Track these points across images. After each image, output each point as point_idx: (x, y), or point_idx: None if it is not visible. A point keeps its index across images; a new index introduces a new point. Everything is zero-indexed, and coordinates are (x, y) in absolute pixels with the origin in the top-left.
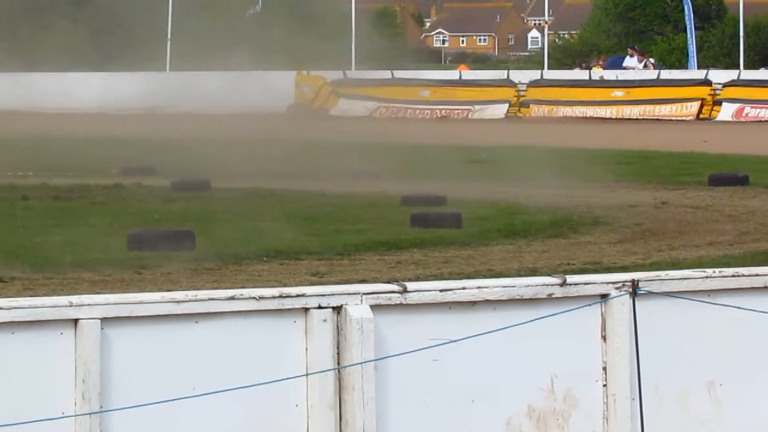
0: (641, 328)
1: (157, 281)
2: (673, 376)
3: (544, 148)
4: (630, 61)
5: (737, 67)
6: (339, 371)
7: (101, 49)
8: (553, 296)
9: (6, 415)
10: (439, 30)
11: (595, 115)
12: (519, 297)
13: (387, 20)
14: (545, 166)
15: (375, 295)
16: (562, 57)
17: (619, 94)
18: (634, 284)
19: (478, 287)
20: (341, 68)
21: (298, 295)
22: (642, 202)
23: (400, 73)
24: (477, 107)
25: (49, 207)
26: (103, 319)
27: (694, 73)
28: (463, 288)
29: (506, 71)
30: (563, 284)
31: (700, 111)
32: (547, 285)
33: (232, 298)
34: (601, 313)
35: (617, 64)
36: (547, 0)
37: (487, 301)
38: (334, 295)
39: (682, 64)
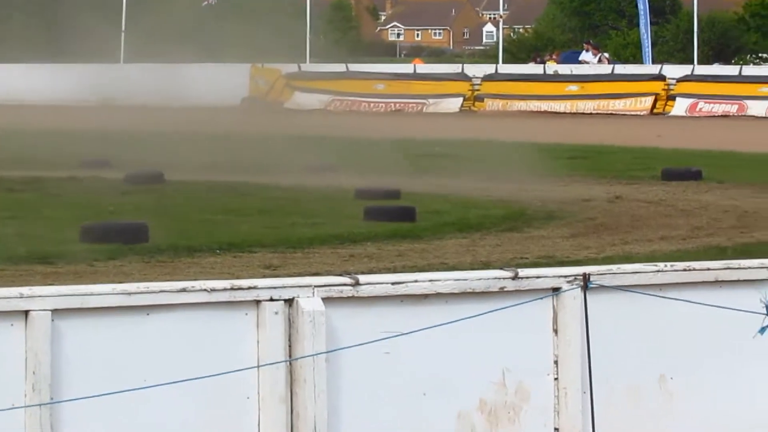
0: (593, 321)
1: (110, 274)
2: (624, 369)
3: (498, 142)
4: (585, 55)
5: (691, 62)
6: (291, 364)
7: (54, 41)
8: (505, 290)
9: None
10: (394, 24)
11: (549, 110)
12: (471, 290)
13: (342, 14)
14: (499, 160)
15: (327, 288)
16: (517, 51)
17: (573, 88)
18: (586, 278)
19: (430, 280)
20: (296, 61)
21: (249, 288)
22: (596, 196)
23: (354, 67)
24: (431, 101)
25: (3, 199)
26: (54, 311)
27: (649, 68)
28: (415, 281)
29: (461, 65)
30: (515, 278)
31: (654, 106)
32: (499, 278)
33: (184, 290)
34: (553, 307)
35: (572, 59)
36: None
37: (439, 294)
38: (285, 287)
39: (637, 59)
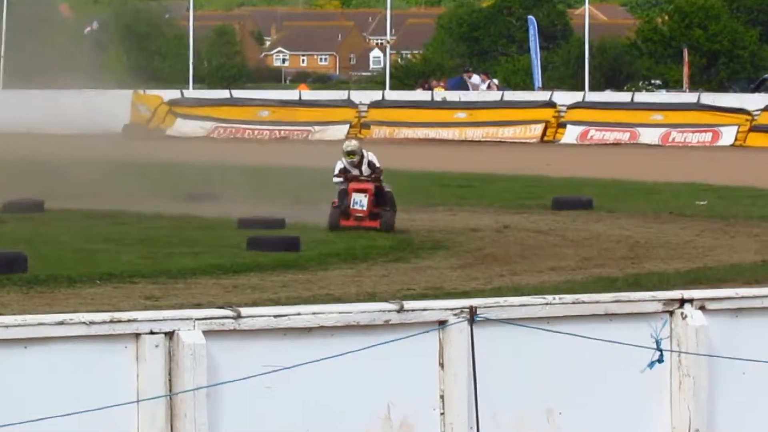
0: (479, 355)
1: None
2: (511, 403)
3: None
4: (475, 78)
5: (582, 88)
6: (171, 398)
7: None
8: (391, 323)
9: None
10: (279, 49)
11: (437, 137)
12: (355, 323)
13: (225, 38)
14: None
15: (208, 321)
16: (404, 77)
17: (461, 115)
18: (472, 311)
19: (314, 313)
20: (178, 87)
21: (129, 320)
22: (484, 225)
23: (238, 93)
24: (317, 128)
25: None
26: None
27: (539, 95)
28: (298, 314)
29: (347, 92)
30: (400, 310)
31: (544, 133)
32: (384, 311)
33: (62, 323)
34: (439, 340)
35: (459, 85)
36: (389, 19)
37: (322, 328)
38: (166, 320)
39: (527, 85)
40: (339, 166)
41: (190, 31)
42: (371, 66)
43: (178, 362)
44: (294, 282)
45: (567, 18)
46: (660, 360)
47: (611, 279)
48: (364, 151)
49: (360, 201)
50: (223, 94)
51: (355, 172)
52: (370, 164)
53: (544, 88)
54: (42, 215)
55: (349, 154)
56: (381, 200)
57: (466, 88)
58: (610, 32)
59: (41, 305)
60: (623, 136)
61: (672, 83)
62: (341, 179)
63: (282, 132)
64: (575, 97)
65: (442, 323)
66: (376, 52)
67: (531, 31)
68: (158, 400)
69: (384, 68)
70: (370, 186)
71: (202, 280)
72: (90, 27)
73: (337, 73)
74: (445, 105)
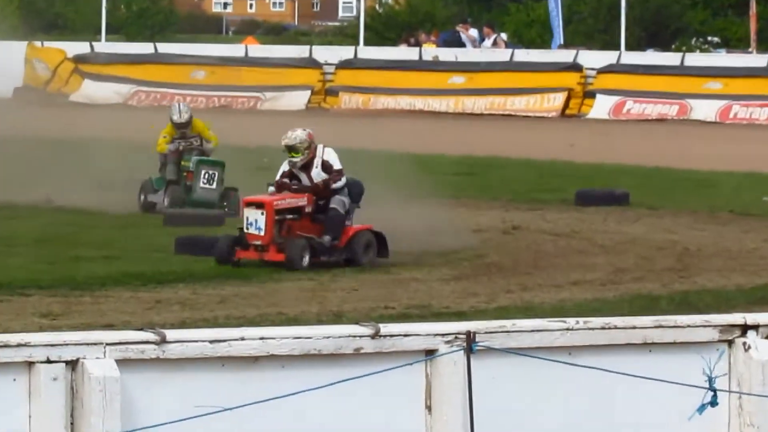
0: (479, 395)
1: None
2: None
3: (358, 152)
4: (473, 32)
5: (617, 47)
6: None
7: None
8: (362, 351)
9: None
10: None
11: (426, 108)
12: (316, 352)
13: None
14: (358, 176)
15: (123, 347)
16: (384, 30)
17: (458, 80)
18: (470, 337)
19: (261, 338)
20: (87, 39)
21: (19, 345)
22: (487, 225)
23: (165, 47)
24: (268, 95)
25: None
26: None
27: (560, 54)
28: (241, 338)
29: (308, 47)
30: (375, 336)
31: (566, 105)
32: (354, 336)
33: None
34: (426, 375)
35: (455, 41)
36: None
37: (273, 356)
38: (68, 345)
39: (544, 42)
40: (283, 168)
41: None
42: (340, 14)
43: (82, 400)
44: (236, 297)
45: None
46: (713, 403)
47: (652, 297)
48: (319, 148)
49: (255, 221)
50: (146, 48)
51: (303, 177)
52: (325, 166)
53: (567, 45)
54: None
55: (290, 150)
56: (323, 221)
57: (464, 45)
58: None
59: None
60: (670, 110)
61: (734, 42)
62: (272, 189)
63: (222, 99)
64: (607, 58)
65: (430, 353)
66: None
67: None
68: None
69: (357, 17)
70: (270, 199)
71: (115, 293)
72: None
73: (295, 22)
74: (437, 67)
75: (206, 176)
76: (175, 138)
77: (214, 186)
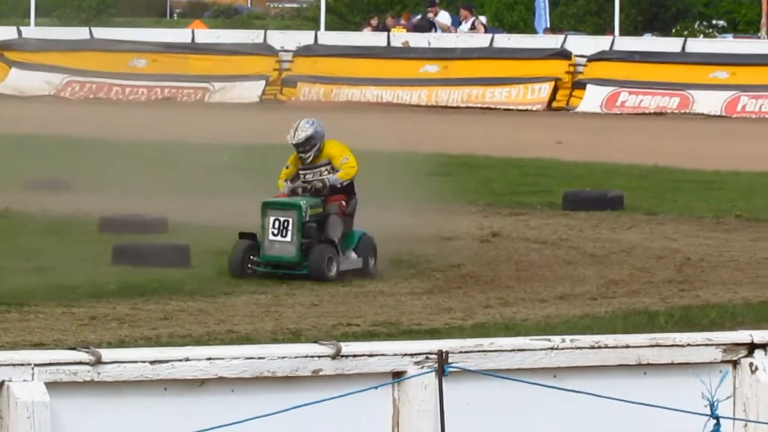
0: (452, 422)
1: None
2: None
3: None
4: (443, 17)
5: (610, 32)
6: None
7: None
8: (322, 373)
9: None
10: None
11: (396, 101)
12: (270, 374)
13: None
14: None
15: (54, 368)
16: (347, 12)
17: (432, 69)
18: (443, 357)
19: (209, 358)
20: (14, 23)
21: None
22: (463, 232)
23: (101, 32)
24: (218, 85)
25: None
26: None
27: (546, 40)
28: (186, 359)
29: (262, 32)
30: (337, 356)
31: (553, 97)
32: (313, 357)
33: None
34: (394, 400)
35: (427, 25)
36: None
37: (221, 379)
38: None
39: (528, 26)
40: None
41: None
42: None
43: (8, 427)
44: (181, 312)
45: None
46: None
47: (649, 313)
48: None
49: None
50: (80, 33)
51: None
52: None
53: (554, 30)
54: None
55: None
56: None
57: (437, 30)
58: None
59: None
60: (670, 102)
61: (742, 26)
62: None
63: (166, 90)
64: (600, 44)
65: (397, 375)
66: None
67: None
68: None
69: None
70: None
71: (45, 308)
72: None
73: (248, 4)
74: (407, 54)
75: (275, 225)
76: (299, 169)
77: (288, 238)
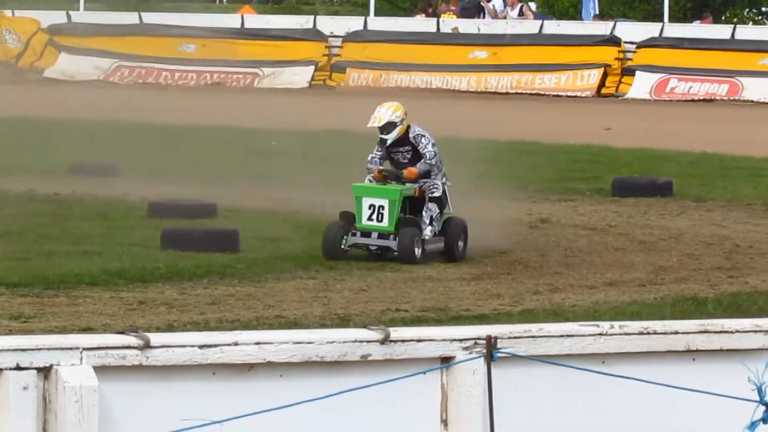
0: (500, 407)
1: None
2: None
3: (366, 136)
4: (496, 1)
5: (660, 19)
6: None
7: None
8: (370, 358)
9: None
10: None
11: (445, 86)
12: (318, 359)
13: None
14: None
15: (102, 352)
16: None
17: (481, 55)
18: (491, 343)
19: (257, 343)
20: (63, 8)
21: None
22: (512, 218)
23: (151, 17)
24: (267, 71)
25: None
26: None
27: (594, 27)
28: (235, 344)
29: (312, 17)
30: (385, 341)
31: (602, 83)
32: (362, 342)
33: None
34: (442, 386)
35: (477, 11)
36: None
37: (270, 364)
38: (40, 349)
39: (578, 13)
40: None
41: None
42: None
43: (56, 412)
44: (229, 298)
45: None
46: (765, 419)
47: (698, 300)
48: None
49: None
50: (130, 18)
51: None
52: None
53: (603, 16)
54: None
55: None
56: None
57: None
58: None
59: None
60: (719, 89)
61: None
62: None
63: (215, 75)
64: (649, 30)
65: (446, 361)
66: None
67: None
68: None
69: None
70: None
71: (94, 293)
72: None
73: None
74: (457, 40)
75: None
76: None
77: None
